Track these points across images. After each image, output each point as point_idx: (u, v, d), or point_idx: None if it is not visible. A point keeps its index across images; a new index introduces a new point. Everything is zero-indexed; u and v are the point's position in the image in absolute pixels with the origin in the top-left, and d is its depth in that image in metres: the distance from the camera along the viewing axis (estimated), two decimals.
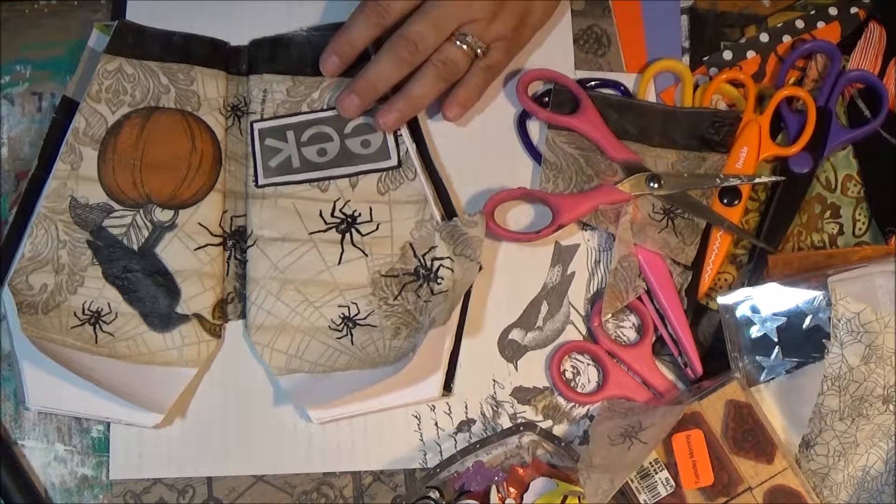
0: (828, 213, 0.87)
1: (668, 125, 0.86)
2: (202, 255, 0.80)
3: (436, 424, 0.80)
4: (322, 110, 0.84)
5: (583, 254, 0.85)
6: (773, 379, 0.80)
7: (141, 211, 0.80)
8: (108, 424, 0.78)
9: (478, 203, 0.83)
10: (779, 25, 0.91)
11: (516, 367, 0.82)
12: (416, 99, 0.82)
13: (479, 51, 0.81)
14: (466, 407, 0.81)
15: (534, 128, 0.87)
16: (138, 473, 0.77)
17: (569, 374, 0.83)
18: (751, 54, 0.90)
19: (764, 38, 0.90)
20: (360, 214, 0.82)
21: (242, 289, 0.81)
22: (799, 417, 0.80)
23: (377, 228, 0.82)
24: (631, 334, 0.84)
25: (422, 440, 0.80)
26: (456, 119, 0.84)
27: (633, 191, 0.84)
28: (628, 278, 0.82)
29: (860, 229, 0.87)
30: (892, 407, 0.79)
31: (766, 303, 0.81)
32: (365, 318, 0.80)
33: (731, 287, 0.85)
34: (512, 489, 0.78)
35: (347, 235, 0.82)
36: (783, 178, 0.86)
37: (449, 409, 0.81)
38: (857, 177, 0.88)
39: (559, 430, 0.81)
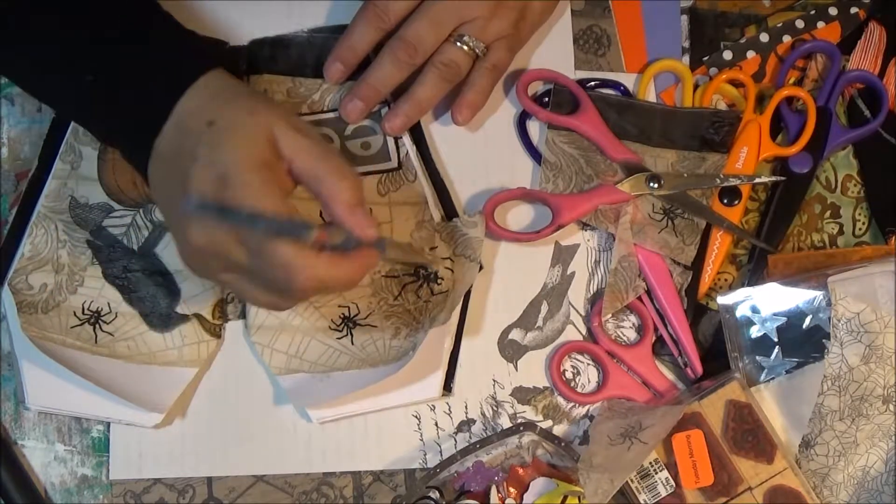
0: (828, 213, 0.87)
1: (668, 125, 0.86)
2: None
3: (436, 424, 0.80)
4: (322, 112, 0.84)
5: (583, 254, 0.85)
6: (773, 379, 0.81)
7: (141, 211, 0.80)
8: (108, 424, 0.78)
9: (478, 203, 0.83)
10: (779, 25, 0.91)
11: (516, 367, 0.82)
12: (421, 102, 0.82)
13: (478, 51, 0.81)
14: (466, 407, 0.81)
15: (534, 128, 0.87)
16: (138, 473, 0.77)
17: (569, 374, 0.83)
18: (751, 54, 0.90)
19: (764, 38, 0.90)
20: None
21: None
22: (799, 417, 0.80)
23: None
24: (631, 334, 0.84)
25: (422, 440, 0.80)
26: (465, 122, 0.84)
27: (633, 191, 0.84)
28: (628, 278, 0.82)
29: (860, 229, 0.87)
30: (892, 407, 0.79)
31: (766, 303, 0.81)
32: (365, 318, 0.80)
33: (731, 287, 0.85)
34: (512, 489, 0.78)
35: None
36: (783, 178, 0.86)
37: (449, 409, 0.81)
38: (857, 177, 0.88)
39: (559, 430, 0.81)
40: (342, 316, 0.80)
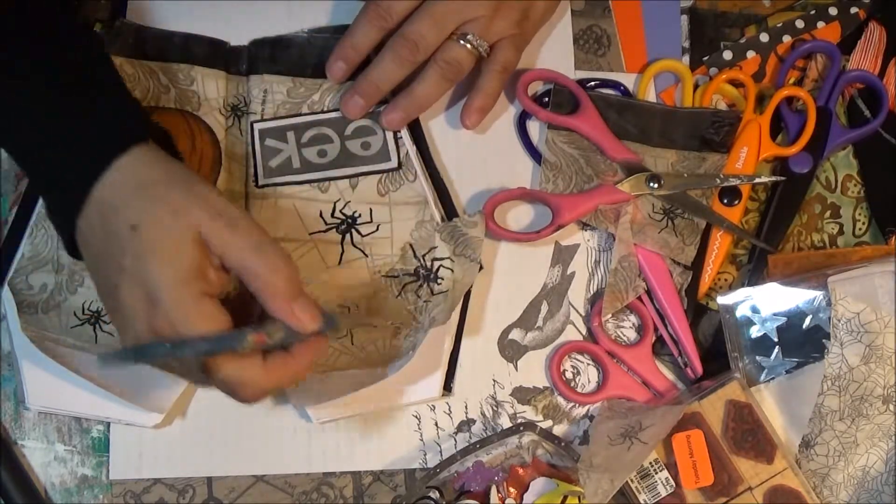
0: (828, 213, 0.87)
1: (668, 125, 0.86)
2: None
3: (436, 424, 0.80)
4: (322, 112, 0.84)
5: (583, 254, 0.85)
6: (773, 379, 0.81)
7: None
8: (108, 424, 0.78)
9: (478, 203, 0.83)
10: (779, 25, 0.91)
11: (516, 367, 0.82)
12: (420, 98, 0.82)
13: (481, 50, 0.81)
14: (466, 407, 0.81)
15: (534, 128, 0.87)
16: (138, 473, 0.77)
17: (569, 374, 0.83)
18: (751, 54, 0.90)
19: (764, 38, 0.90)
20: (360, 215, 0.82)
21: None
22: (799, 417, 0.80)
23: (377, 229, 0.82)
24: (631, 334, 0.84)
25: (422, 440, 0.80)
26: (474, 126, 0.84)
27: (633, 191, 0.84)
28: (628, 278, 0.82)
29: (860, 229, 0.87)
30: (892, 407, 0.79)
31: (766, 303, 0.81)
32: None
33: (731, 287, 0.85)
34: (512, 489, 0.78)
35: (347, 236, 0.82)
36: (783, 178, 0.86)
37: (449, 409, 0.81)
38: (857, 177, 0.88)
39: (559, 430, 0.81)
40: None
